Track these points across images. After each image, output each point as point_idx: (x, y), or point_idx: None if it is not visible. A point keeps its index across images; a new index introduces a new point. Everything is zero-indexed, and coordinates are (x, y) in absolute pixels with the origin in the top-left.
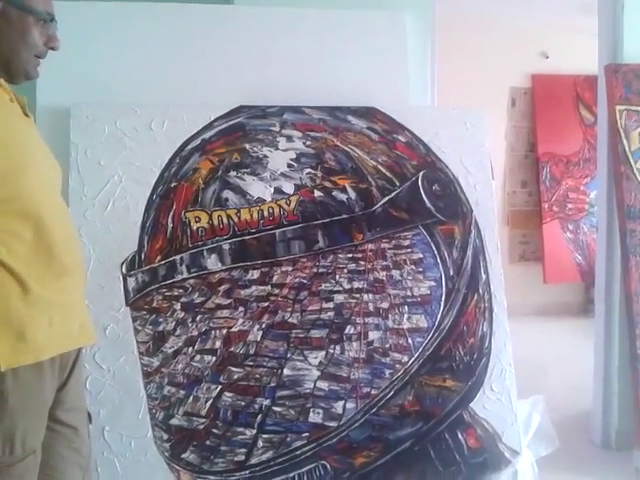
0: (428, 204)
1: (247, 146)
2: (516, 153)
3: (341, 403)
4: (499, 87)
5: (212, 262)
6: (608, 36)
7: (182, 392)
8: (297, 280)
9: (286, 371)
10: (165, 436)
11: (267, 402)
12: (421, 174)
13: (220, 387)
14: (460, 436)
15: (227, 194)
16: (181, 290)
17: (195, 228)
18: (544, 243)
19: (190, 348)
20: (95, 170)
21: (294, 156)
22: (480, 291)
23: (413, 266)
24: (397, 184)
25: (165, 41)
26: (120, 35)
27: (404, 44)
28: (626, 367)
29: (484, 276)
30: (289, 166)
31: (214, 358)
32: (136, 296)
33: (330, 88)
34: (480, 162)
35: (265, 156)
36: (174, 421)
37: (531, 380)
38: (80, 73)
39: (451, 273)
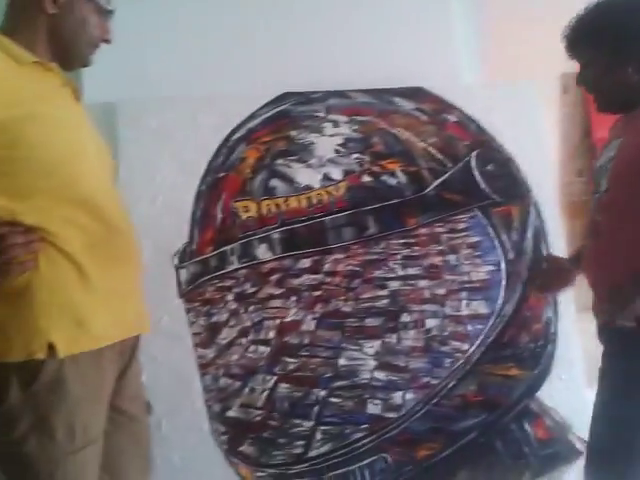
0: (483, 185)
1: (293, 133)
2: (569, 141)
3: (400, 393)
4: (550, 73)
5: (262, 252)
6: None
7: (238, 383)
8: (349, 268)
9: (341, 361)
10: (222, 428)
11: (324, 393)
12: (474, 154)
13: (275, 378)
14: (527, 427)
15: (275, 182)
16: (233, 281)
17: (244, 218)
18: None
19: (244, 339)
20: (143, 164)
21: (341, 141)
22: None
23: (470, 250)
24: (449, 165)
25: (205, 31)
26: (160, 28)
27: (450, 20)
28: None
29: None
30: (336, 152)
31: (268, 349)
32: (188, 288)
33: (374, 70)
34: (536, 138)
35: (312, 143)
36: (230, 413)
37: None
38: (124, 68)
39: (511, 257)
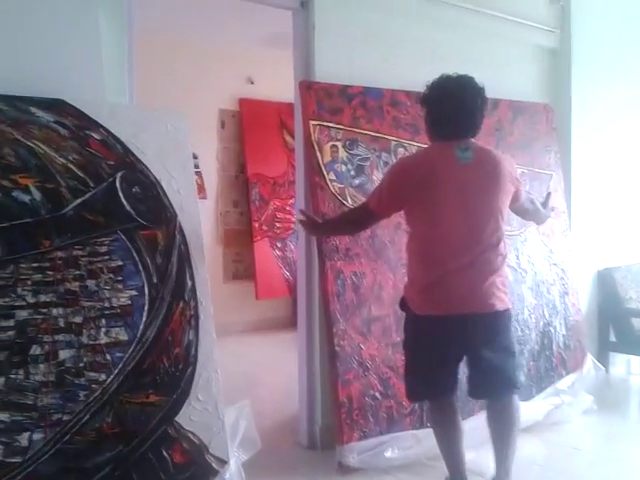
0: (128, 207)
1: None
2: (227, 174)
3: (26, 435)
4: (209, 108)
5: None
6: (302, 56)
7: None
8: None
9: None
10: None
11: None
12: (119, 175)
13: None
14: (165, 453)
15: None
16: None
17: None
18: (255, 261)
19: None
20: None
21: None
22: (186, 298)
23: (112, 275)
24: (92, 185)
25: None
26: None
27: (97, 38)
28: (326, 365)
29: (190, 282)
30: None
31: None
32: None
33: (9, 75)
34: (183, 166)
35: None
36: None
37: (241, 392)
38: None
39: (154, 281)
